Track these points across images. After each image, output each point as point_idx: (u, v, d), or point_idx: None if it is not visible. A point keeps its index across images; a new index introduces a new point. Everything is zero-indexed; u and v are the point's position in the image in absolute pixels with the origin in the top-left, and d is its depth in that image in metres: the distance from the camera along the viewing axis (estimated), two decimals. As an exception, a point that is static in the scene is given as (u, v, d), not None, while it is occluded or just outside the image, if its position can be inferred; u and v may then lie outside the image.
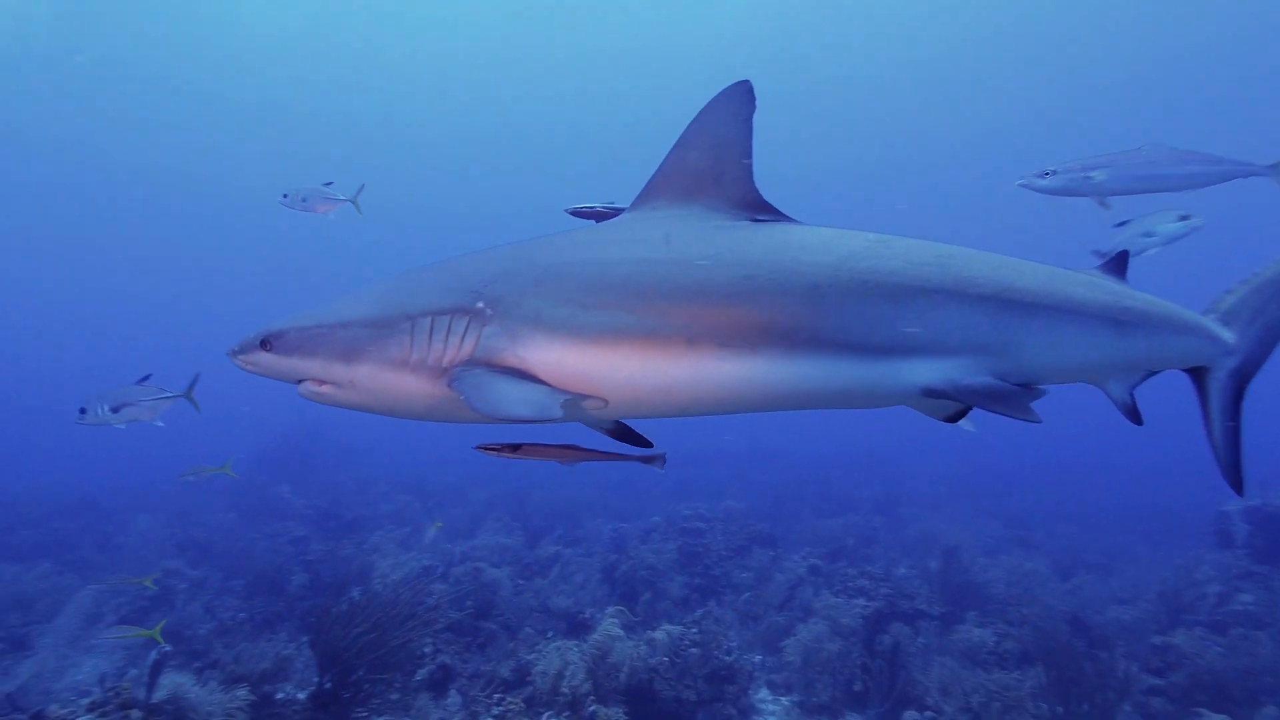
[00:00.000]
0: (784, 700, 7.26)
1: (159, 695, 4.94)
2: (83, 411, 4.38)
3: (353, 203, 6.20)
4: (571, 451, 2.60)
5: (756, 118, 2.11)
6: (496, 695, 6.43)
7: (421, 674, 6.67)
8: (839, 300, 1.89)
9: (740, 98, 2.13)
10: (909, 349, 1.92)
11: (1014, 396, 1.94)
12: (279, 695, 5.85)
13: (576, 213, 3.52)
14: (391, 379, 2.03)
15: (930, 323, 1.90)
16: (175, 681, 5.69)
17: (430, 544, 11.76)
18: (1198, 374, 2.29)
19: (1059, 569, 11.29)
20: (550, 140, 46.57)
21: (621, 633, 6.22)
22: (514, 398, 1.84)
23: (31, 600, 8.99)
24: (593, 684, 5.86)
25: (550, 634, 7.99)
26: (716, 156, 2.12)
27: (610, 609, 6.84)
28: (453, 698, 6.92)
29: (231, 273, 51.13)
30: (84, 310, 53.84)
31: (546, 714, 6.06)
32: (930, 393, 1.95)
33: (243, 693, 4.97)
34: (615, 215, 2.55)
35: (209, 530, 12.03)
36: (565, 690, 5.74)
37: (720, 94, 2.15)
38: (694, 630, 7.13)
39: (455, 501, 15.63)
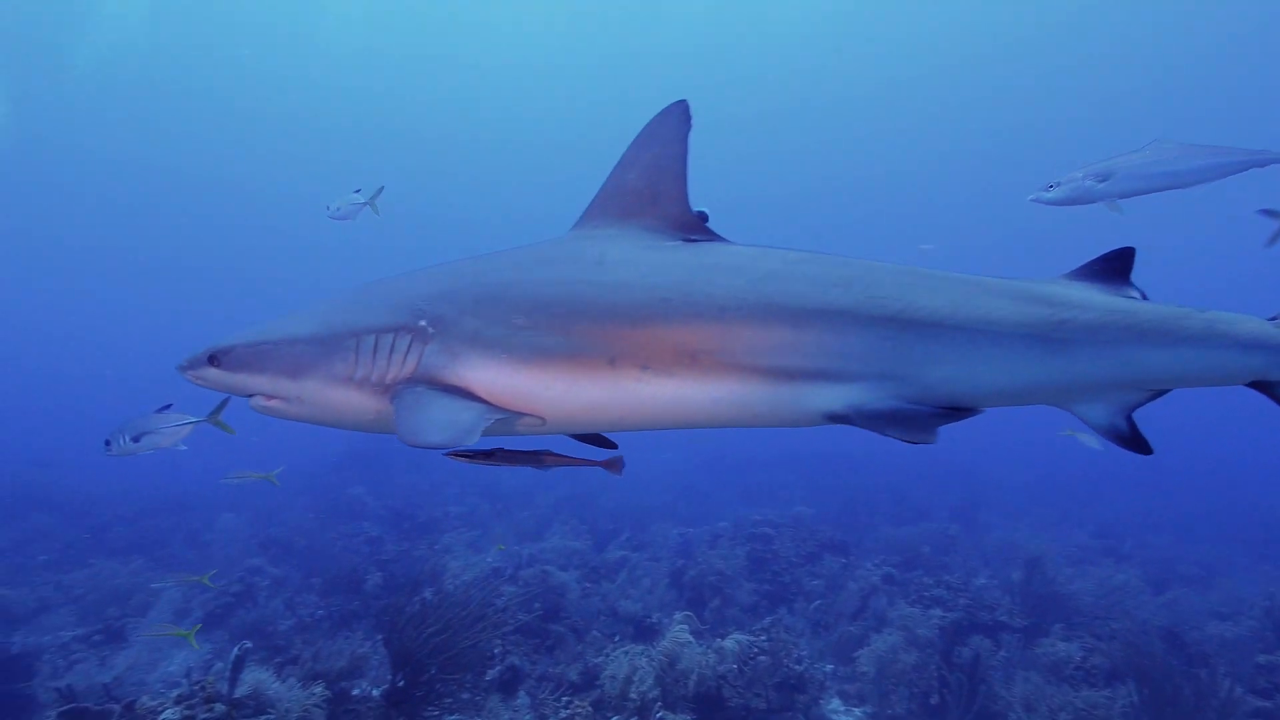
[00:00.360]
0: (856, 711, 7.00)
1: (241, 690, 5.08)
2: (108, 444, 4.54)
3: (371, 205, 6.34)
4: (544, 457, 2.71)
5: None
6: (564, 698, 6.41)
7: (491, 674, 6.71)
8: (745, 324, 1.89)
9: (677, 119, 2.16)
10: (812, 373, 1.90)
11: (920, 420, 1.85)
12: (355, 691, 5.96)
13: None
14: (337, 395, 2.08)
15: (832, 347, 1.87)
16: (256, 677, 5.86)
17: (497, 552, 11.91)
18: (1270, 389, 1.95)
19: (1152, 581, 10.57)
20: (564, 144, 46.69)
21: (690, 639, 6.09)
22: (439, 422, 1.86)
23: (127, 594, 9.50)
24: (661, 690, 5.75)
25: (618, 638, 7.93)
26: (653, 178, 2.16)
27: (678, 615, 6.73)
28: (521, 699, 6.94)
29: (282, 280, 52.91)
30: (159, 323, 56.70)
31: (614, 718, 5.99)
32: (833, 418, 1.92)
33: (320, 689, 5.07)
34: None
35: (289, 529, 12.50)
36: (634, 696, 5.66)
37: (658, 115, 2.18)
38: (763, 638, 6.95)
39: (523, 504, 15.80)
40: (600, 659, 7.07)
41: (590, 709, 5.99)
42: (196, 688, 4.52)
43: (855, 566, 10.05)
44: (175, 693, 4.75)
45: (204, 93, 41.92)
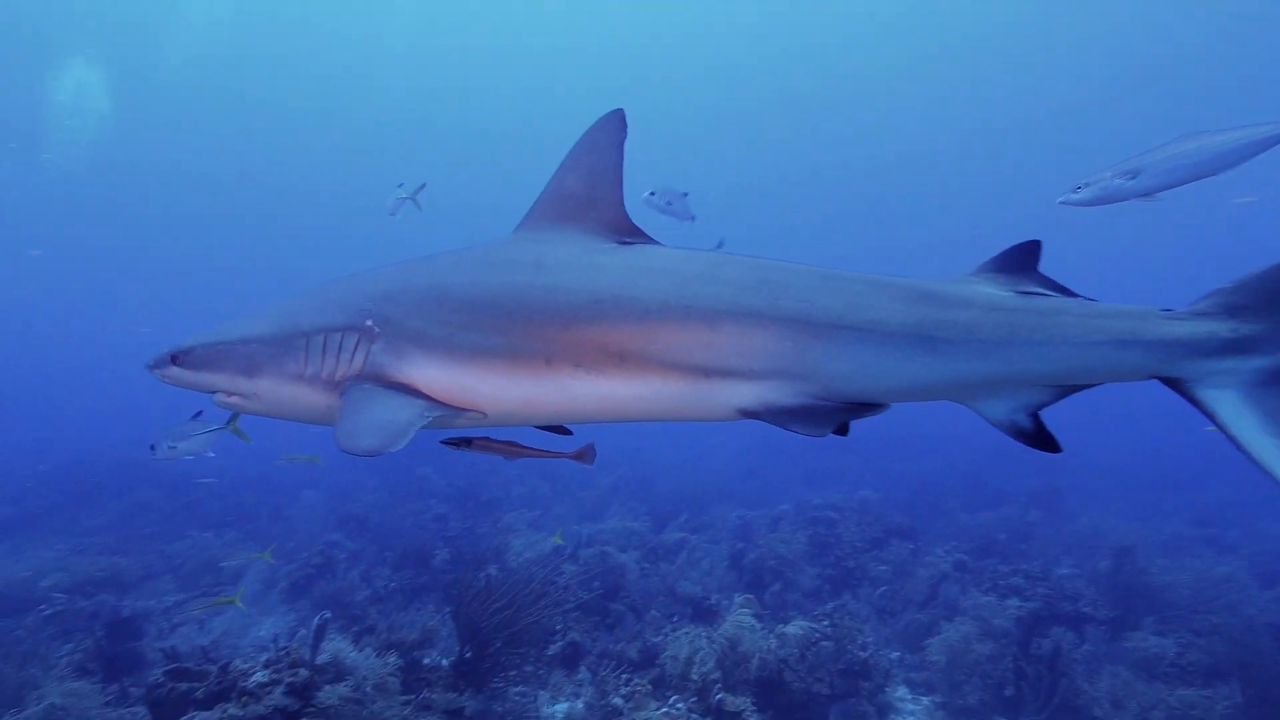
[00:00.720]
0: (925, 700, 6.83)
1: (322, 658, 5.36)
2: (153, 448, 4.83)
3: (414, 200, 6.63)
4: (513, 448, 2.88)
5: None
6: (624, 675, 6.50)
7: (553, 649, 6.86)
8: (664, 324, 1.95)
9: (613, 126, 2.25)
10: (724, 371, 1.95)
11: (824, 415, 1.91)
12: (426, 661, 6.20)
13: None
14: (290, 391, 2.19)
15: (743, 346, 1.92)
16: (336, 646, 6.18)
17: (559, 525, 12.12)
18: (1176, 387, 1.82)
19: (1260, 574, 9.86)
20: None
21: (752, 622, 6.06)
22: (375, 424, 1.94)
23: (221, 564, 10.13)
24: (722, 672, 5.75)
25: (676, 618, 7.98)
26: (591, 183, 2.24)
27: (739, 598, 6.70)
28: (582, 674, 7.07)
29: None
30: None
31: (674, 698, 6.03)
32: (745, 413, 1.97)
33: (394, 659, 5.29)
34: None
35: (364, 506, 13.05)
36: (695, 677, 5.68)
37: (595, 123, 2.27)
38: (826, 623, 6.86)
39: (582, 485, 16.02)
40: (659, 638, 7.13)
41: (650, 687, 6.05)
42: (282, 653, 4.77)
43: (924, 553, 9.77)
44: (264, 657, 5.04)
45: (276, 100, 43.52)
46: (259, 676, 4.55)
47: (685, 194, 6.60)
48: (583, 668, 7.14)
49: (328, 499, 14.29)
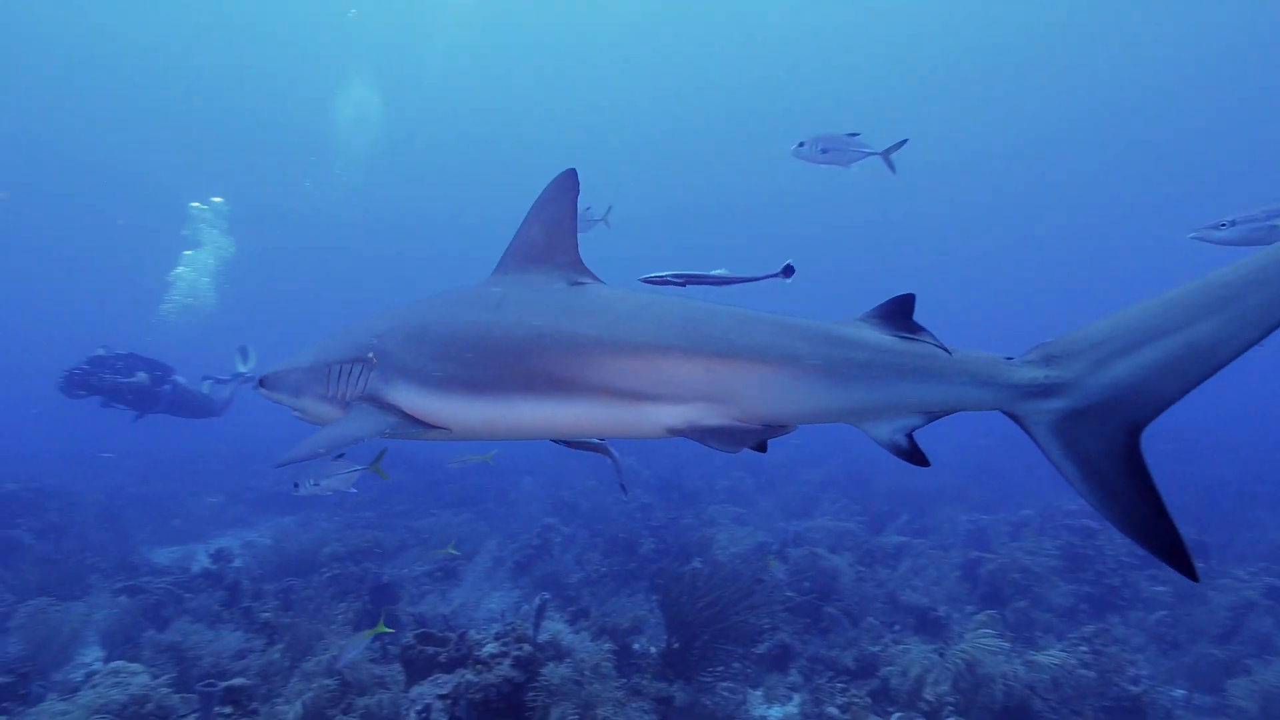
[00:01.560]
0: (1223, 756, 5.61)
1: (543, 636, 5.67)
2: (296, 486, 5.34)
3: (605, 221, 6.87)
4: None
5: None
6: (840, 684, 6.11)
7: (762, 648, 6.65)
8: (599, 357, 2.23)
9: (568, 184, 2.62)
10: (653, 397, 2.20)
11: (740, 435, 2.16)
12: (635, 646, 6.32)
13: (648, 280, 3.66)
14: (324, 408, 2.68)
15: (668, 376, 2.18)
16: (554, 627, 6.54)
17: (764, 521, 11.85)
18: (1017, 421, 2.11)
19: None
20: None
21: (996, 642, 5.36)
22: (328, 437, 2.33)
23: (459, 541, 11.24)
24: (957, 695, 5.15)
25: (897, 628, 7.38)
26: (549, 232, 2.60)
27: (980, 615, 5.99)
28: (793, 676, 6.78)
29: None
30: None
31: (897, 715, 5.55)
32: (673, 431, 2.23)
33: (608, 645, 5.44)
34: (684, 282, 3.28)
35: (576, 493, 13.79)
36: (929, 697, 5.16)
37: (553, 181, 2.63)
38: (1084, 648, 5.92)
39: (787, 480, 15.56)
40: (878, 648, 6.62)
41: (868, 700, 5.62)
42: (509, 628, 5.09)
43: (1219, 574, 8.08)
44: (494, 630, 5.44)
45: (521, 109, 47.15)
46: (490, 648, 4.90)
47: (856, 134, 5.69)
48: (793, 670, 6.85)
49: (545, 485, 15.33)
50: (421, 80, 43.65)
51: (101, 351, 9.79)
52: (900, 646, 6.26)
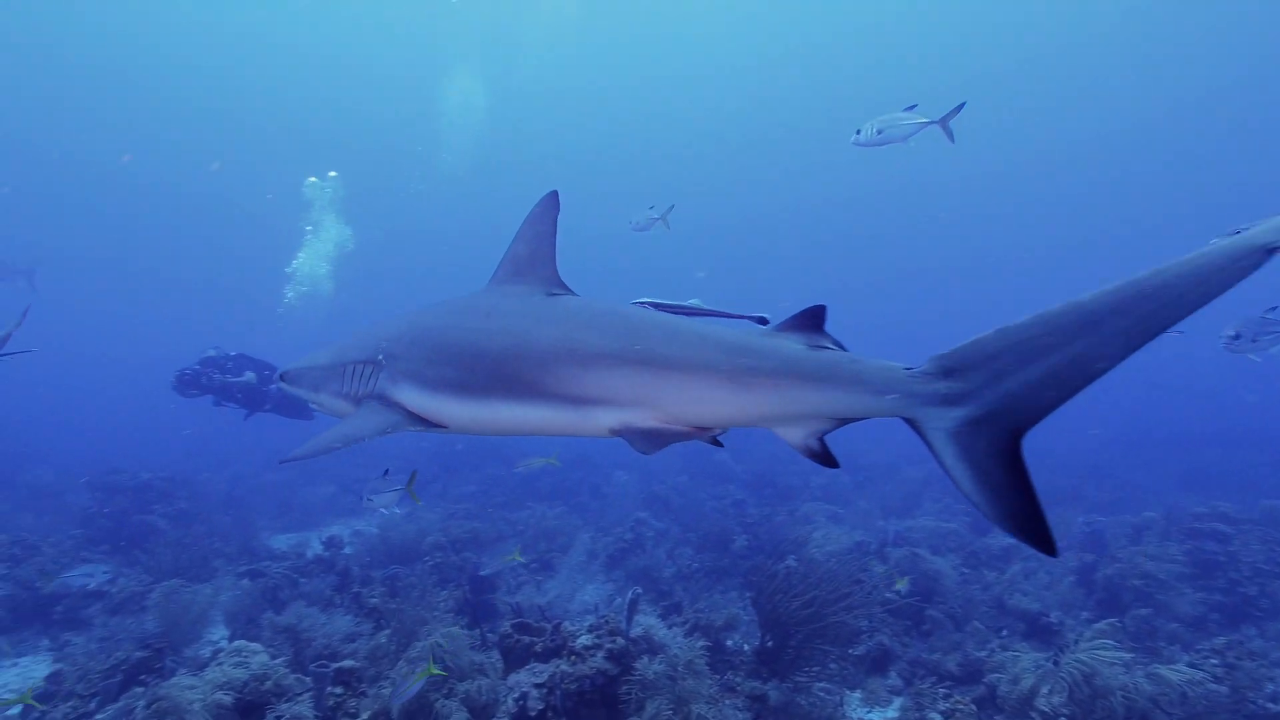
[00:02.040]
0: (1394, 793, 5.00)
1: (635, 630, 5.71)
2: (364, 499, 6.08)
3: (664, 221, 7.06)
4: None
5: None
6: (942, 689, 5.86)
7: (859, 650, 6.46)
8: (554, 364, 2.45)
9: (550, 205, 2.89)
10: (595, 401, 2.40)
11: (668, 436, 2.36)
12: (729, 644, 6.27)
13: (641, 304, 3.75)
14: (340, 403, 2.96)
15: (606, 382, 2.39)
16: (647, 621, 6.56)
17: (861, 520, 11.49)
18: (913, 426, 2.18)
19: None
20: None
21: (1117, 653, 4.99)
22: (335, 436, 2.54)
23: (553, 534, 11.51)
24: (1073, 706, 4.83)
25: (1005, 633, 7.00)
26: (533, 249, 2.85)
27: (1100, 624, 5.58)
28: (893, 679, 6.55)
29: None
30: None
31: (1004, 723, 5.27)
32: (612, 432, 2.41)
33: (701, 642, 5.41)
34: (676, 310, 3.41)
35: (668, 488, 13.83)
36: (1042, 707, 4.86)
37: (538, 203, 2.90)
38: (1215, 661, 5.44)
39: (886, 477, 15.03)
40: (983, 653, 6.31)
41: (973, 707, 5.36)
42: (602, 621, 5.16)
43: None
44: (588, 622, 5.52)
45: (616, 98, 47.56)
46: (585, 639, 4.98)
47: (913, 106, 5.77)
48: (893, 673, 6.61)
49: (638, 480, 15.45)
50: (522, 68, 44.30)
51: (212, 352, 10.40)
52: (1009, 653, 5.93)
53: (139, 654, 5.61)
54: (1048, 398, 1.99)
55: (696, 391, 2.34)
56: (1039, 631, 7.08)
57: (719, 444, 2.56)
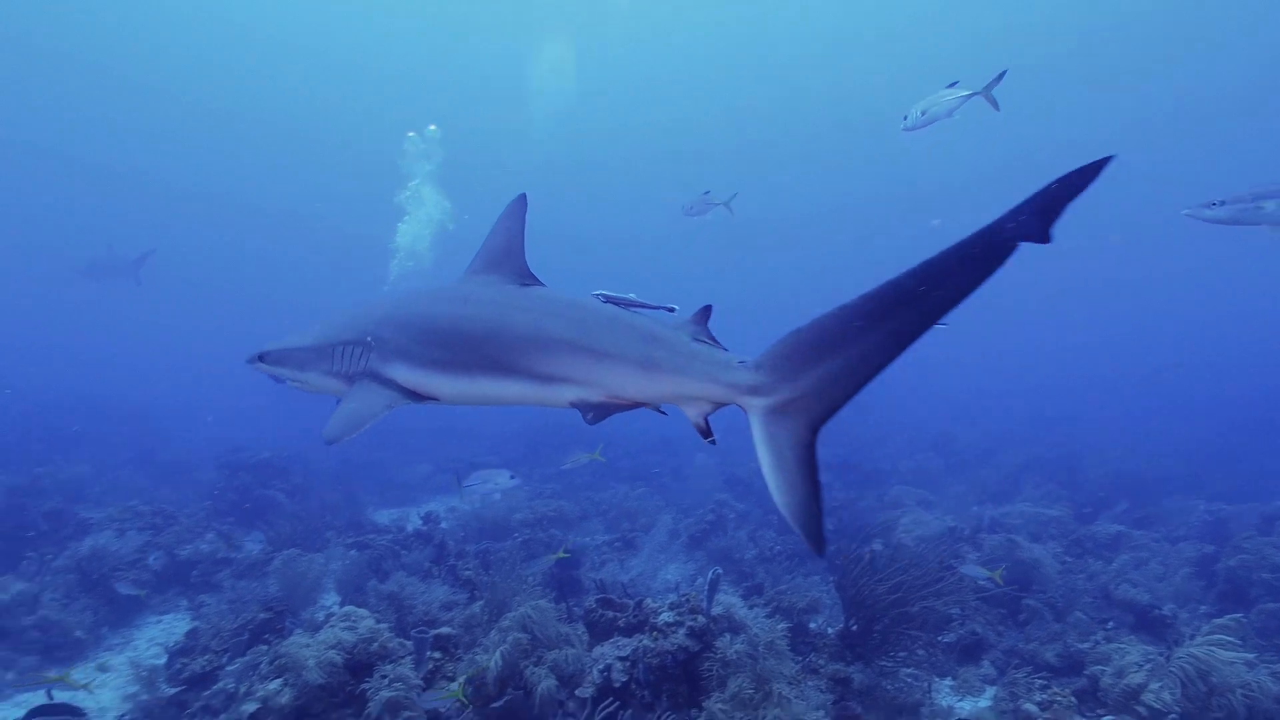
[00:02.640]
0: None
1: (716, 609, 5.76)
2: (459, 480, 6.52)
3: (726, 206, 7.14)
4: None
5: None
6: (1039, 680, 5.62)
7: (949, 637, 6.28)
8: (521, 346, 2.81)
9: (520, 206, 3.26)
10: (557, 379, 2.79)
11: (612, 409, 2.74)
12: (812, 626, 6.23)
13: (605, 298, 4.05)
14: (327, 381, 3.23)
15: (565, 364, 2.77)
16: (728, 600, 6.60)
17: (953, 505, 11.08)
18: (744, 412, 2.42)
19: None
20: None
21: (1234, 651, 4.66)
22: (348, 413, 2.90)
23: (636, 513, 11.72)
24: (1186, 704, 4.54)
25: (1111, 625, 6.63)
26: (506, 243, 3.19)
27: (1221, 619, 5.22)
28: (986, 668, 6.34)
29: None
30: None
31: (1107, 718, 5.02)
32: (571, 404, 2.79)
33: (782, 624, 5.41)
34: (634, 305, 3.85)
35: (749, 470, 13.75)
36: (1150, 703, 4.60)
37: (509, 203, 3.26)
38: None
39: (981, 461, 14.41)
40: (1086, 645, 6.00)
41: (1073, 699, 5.12)
42: (683, 599, 5.25)
43: None
44: (670, 599, 5.62)
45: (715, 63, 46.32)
46: (666, 616, 5.08)
47: (955, 83, 6.06)
48: (986, 662, 6.40)
49: (718, 462, 15.45)
50: (610, 39, 43.75)
51: None
52: (1114, 645, 5.63)
53: (263, 615, 6.13)
54: (838, 393, 2.15)
55: (623, 375, 2.70)
56: (1149, 624, 6.67)
57: (663, 412, 2.90)
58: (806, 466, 2.18)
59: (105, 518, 9.42)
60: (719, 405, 2.61)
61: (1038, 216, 1.64)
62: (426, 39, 44.73)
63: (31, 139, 43.71)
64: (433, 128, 22.24)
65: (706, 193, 7.35)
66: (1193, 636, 4.93)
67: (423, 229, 22.14)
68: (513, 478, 6.79)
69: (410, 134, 21.86)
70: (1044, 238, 1.65)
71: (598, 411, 2.76)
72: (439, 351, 2.95)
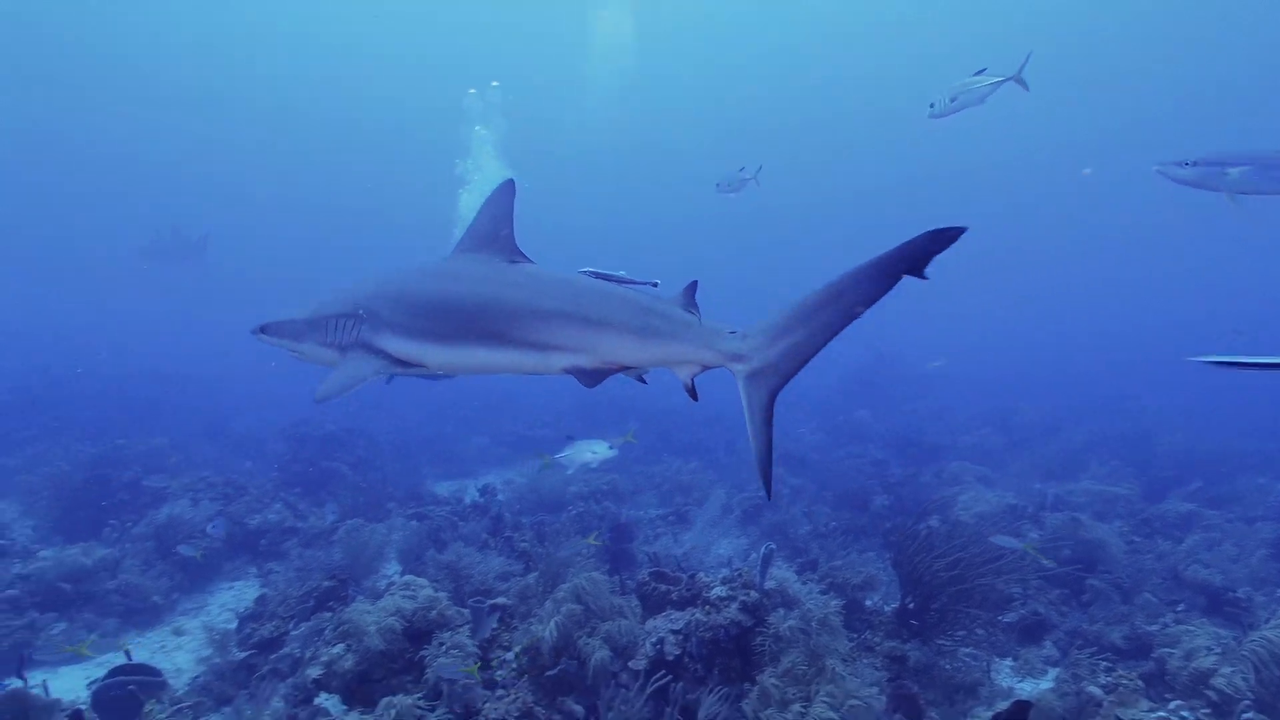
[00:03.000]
0: None
1: (769, 584, 5.77)
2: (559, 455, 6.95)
3: (755, 180, 7.26)
4: None
5: None
6: (1104, 662, 5.47)
7: (1010, 617, 6.16)
8: (517, 318, 3.08)
9: (508, 188, 3.45)
10: (552, 347, 3.05)
11: (603, 374, 3.04)
12: (867, 603, 6.20)
13: (592, 274, 4.18)
14: (323, 352, 3.42)
15: (557, 332, 3.03)
16: (782, 575, 6.61)
17: (1014, 482, 10.79)
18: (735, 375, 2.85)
19: None
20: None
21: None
22: (337, 380, 3.15)
23: (689, 487, 11.78)
24: (1261, 689, 4.37)
25: (1181, 607, 6.40)
26: (494, 224, 3.38)
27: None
28: (1048, 649, 6.22)
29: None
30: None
31: (1175, 702, 4.86)
32: (565, 370, 3.05)
33: (836, 602, 5.39)
34: (608, 278, 3.97)
35: (803, 446, 13.66)
36: (1222, 687, 4.45)
37: (497, 186, 3.45)
38: None
39: (1045, 438, 13.94)
40: (1154, 627, 5.81)
41: (1139, 682, 4.97)
42: (736, 574, 5.27)
43: None
44: (723, 574, 5.66)
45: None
46: (719, 590, 5.12)
47: (983, 70, 6.08)
48: (1048, 643, 6.27)
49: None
50: (670, 9, 42.17)
51: None
52: (1184, 627, 5.43)
53: (327, 583, 6.42)
54: (792, 364, 2.71)
55: (615, 341, 3.00)
56: (1222, 607, 6.42)
57: (644, 381, 3.27)
58: (767, 425, 2.74)
59: (180, 487, 9.96)
60: (707, 368, 3.00)
61: (909, 262, 2.26)
62: (487, 33, 44.18)
63: (112, 138, 45.46)
64: (495, 83, 21.83)
65: (742, 169, 7.30)
66: (1269, 620, 4.72)
67: (479, 200, 22.10)
68: (611, 448, 7.05)
69: (471, 90, 21.45)
70: (921, 275, 2.25)
71: (591, 376, 3.04)
72: (430, 323, 3.19)
